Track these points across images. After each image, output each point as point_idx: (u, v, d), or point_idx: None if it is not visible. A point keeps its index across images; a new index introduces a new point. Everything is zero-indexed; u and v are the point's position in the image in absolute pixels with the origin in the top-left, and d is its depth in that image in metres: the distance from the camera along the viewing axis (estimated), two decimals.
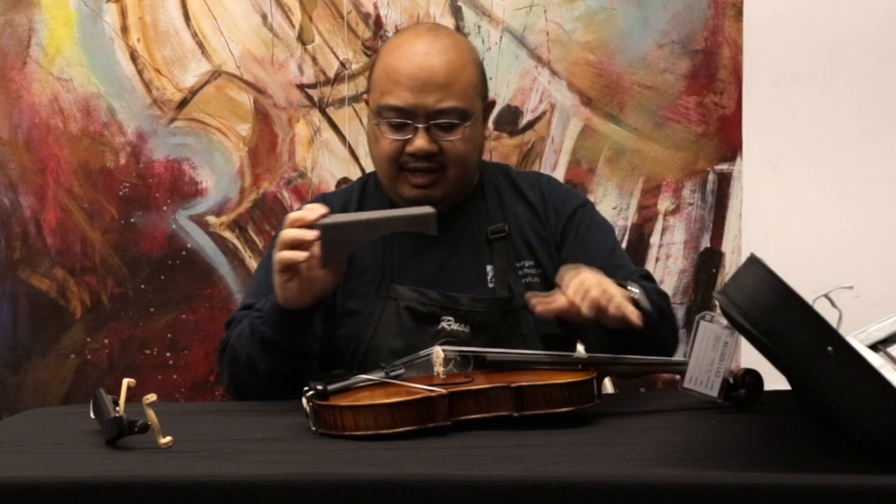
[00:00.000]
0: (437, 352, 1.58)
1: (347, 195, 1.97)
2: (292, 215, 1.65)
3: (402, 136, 1.83)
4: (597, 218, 2.00)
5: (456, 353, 1.61)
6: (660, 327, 1.79)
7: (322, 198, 2.00)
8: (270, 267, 1.79)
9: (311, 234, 1.62)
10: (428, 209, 1.64)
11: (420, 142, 1.81)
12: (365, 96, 1.96)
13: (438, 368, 1.57)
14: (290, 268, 1.65)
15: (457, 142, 1.83)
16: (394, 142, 1.83)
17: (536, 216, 1.94)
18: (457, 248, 1.89)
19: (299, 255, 1.62)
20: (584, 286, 1.61)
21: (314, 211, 1.64)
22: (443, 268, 1.88)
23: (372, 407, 1.40)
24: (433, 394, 1.42)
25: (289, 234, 1.63)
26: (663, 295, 1.90)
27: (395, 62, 1.85)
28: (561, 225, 1.94)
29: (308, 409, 1.44)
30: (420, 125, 1.81)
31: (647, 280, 1.91)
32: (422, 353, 1.61)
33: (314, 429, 1.44)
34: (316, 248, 1.63)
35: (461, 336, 1.82)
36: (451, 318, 1.83)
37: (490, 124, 2.54)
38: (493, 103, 1.96)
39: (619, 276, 1.79)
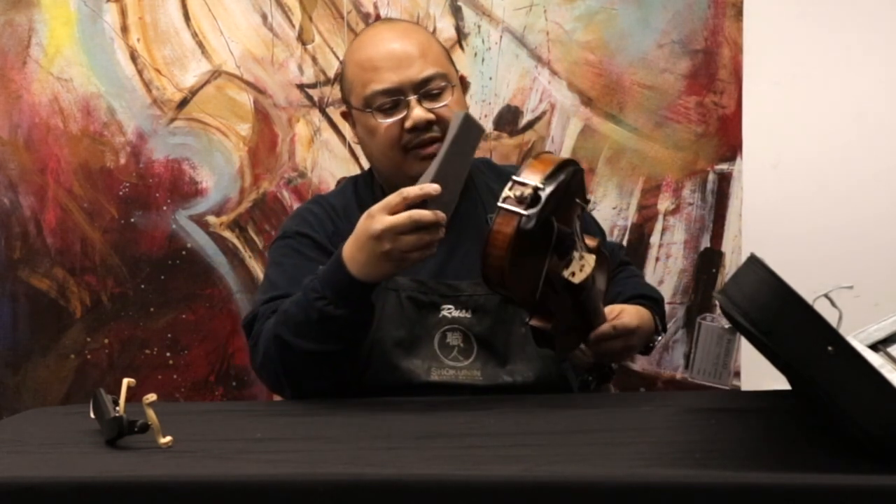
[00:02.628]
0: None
1: (342, 197, 1.97)
2: (419, 216, 1.57)
3: (397, 116, 1.83)
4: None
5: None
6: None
7: (319, 199, 2.00)
8: (288, 262, 1.81)
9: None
10: (459, 115, 1.65)
11: (417, 112, 1.82)
12: (341, 110, 1.97)
13: None
14: None
15: (450, 105, 1.85)
16: (390, 126, 1.84)
17: None
18: (460, 238, 1.89)
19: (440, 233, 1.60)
20: (622, 343, 1.80)
21: (436, 211, 1.58)
22: (448, 259, 1.87)
23: None
24: None
25: (428, 216, 1.57)
26: (662, 300, 2.05)
27: (367, 53, 1.87)
28: None
29: None
30: (411, 97, 1.82)
31: (625, 255, 2.13)
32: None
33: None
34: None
35: (463, 322, 1.82)
36: (451, 305, 1.84)
37: (490, 124, 2.54)
38: (464, 79, 1.96)
39: (624, 271, 2.03)
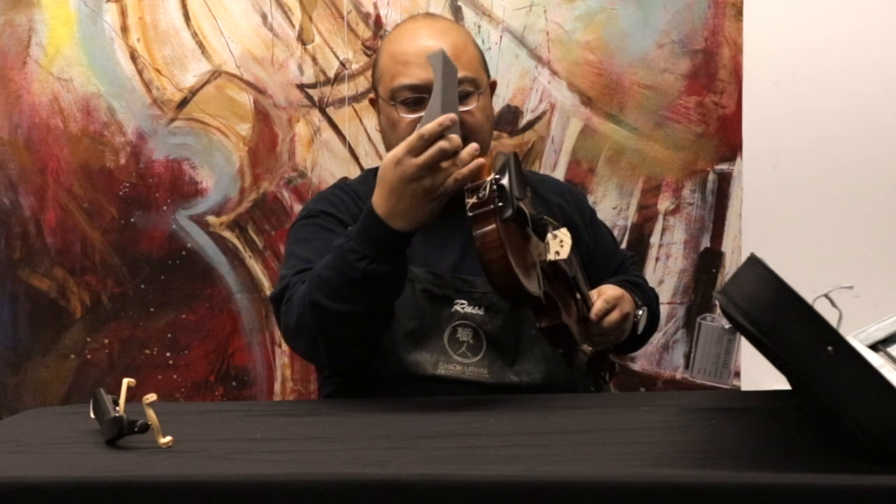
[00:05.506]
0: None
1: (364, 184, 1.97)
2: (446, 145, 1.55)
3: (419, 112, 1.82)
4: (595, 212, 2.16)
5: None
6: (644, 338, 2.04)
7: (342, 184, 2.01)
8: (315, 238, 1.82)
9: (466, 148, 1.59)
10: (434, 56, 1.62)
11: None
12: (370, 96, 1.97)
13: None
14: None
15: (473, 111, 1.85)
16: (412, 121, 1.83)
17: (551, 211, 1.95)
18: None
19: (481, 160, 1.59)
20: (611, 320, 1.83)
21: (453, 136, 1.56)
22: (465, 255, 1.87)
23: None
24: None
25: (454, 140, 1.56)
26: (656, 298, 2.11)
27: (400, 47, 1.88)
28: (588, 224, 2.04)
29: None
30: None
31: (633, 264, 2.14)
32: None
33: None
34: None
35: (475, 318, 1.82)
36: (464, 301, 1.84)
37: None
38: (495, 83, 1.98)
39: (621, 272, 2.05)
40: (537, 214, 1.70)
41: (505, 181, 1.59)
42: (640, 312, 1.91)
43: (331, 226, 1.87)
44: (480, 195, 1.57)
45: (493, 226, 1.56)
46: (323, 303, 1.66)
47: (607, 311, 1.81)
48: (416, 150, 1.56)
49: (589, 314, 1.80)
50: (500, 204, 1.58)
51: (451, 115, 1.56)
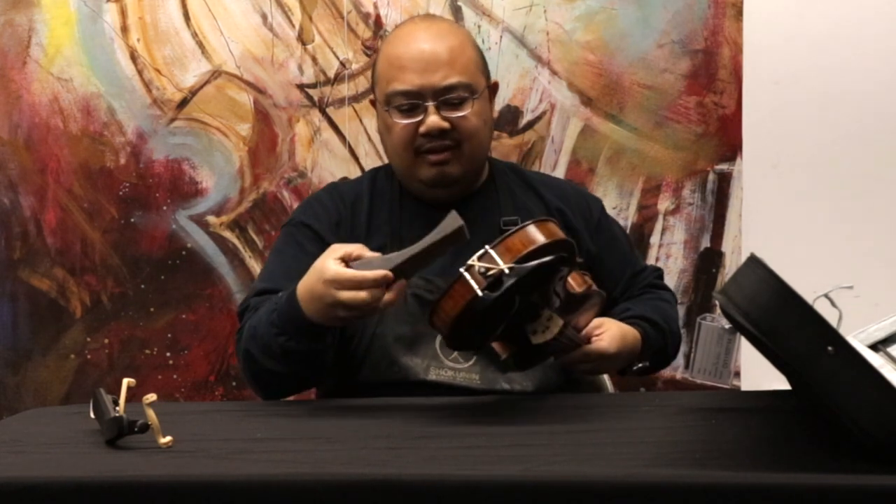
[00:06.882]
0: None
1: (358, 186, 1.97)
2: (365, 297, 1.57)
3: (414, 118, 1.83)
4: (612, 221, 2.08)
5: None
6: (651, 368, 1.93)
7: (331, 186, 2.00)
8: (287, 253, 1.82)
9: (390, 295, 1.59)
10: (457, 222, 1.57)
11: (432, 119, 1.82)
12: (370, 98, 1.97)
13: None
14: None
15: (468, 116, 1.84)
16: (406, 126, 1.84)
17: (548, 213, 1.94)
18: (472, 238, 1.88)
19: (390, 297, 1.59)
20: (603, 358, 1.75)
21: (370, 269, 1.58)
22: (458, 259, 1.86)
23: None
24: None
25: (379, 298, 1.58)
26: (674, 320, 1.97)
27: (397, 51, 1.87)
28: (592, 230, 1.98)
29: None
30: (430, 104, 1.82)
31: (658, 278, 2.02)
32: None
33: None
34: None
35: None
36: None
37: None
38: (496, 85, 1.96)
39: (637, 288, 1.96)
40: (536, 303, 1.60)
41: (508, 282, 1.49)
42: (640, 366, 1.84)
43: (304, 241, 1.87)
44: (483, 270, 1.49)
45: (461, 303, 1.50)
46: (255, 356, 1.73)
47: (580, 362, 1.75)
48: (340, 285, 1.58)
49: (559, 358, 1.73)
50: (483, 294, 1.49)
51: (389, 275, 1.55)
